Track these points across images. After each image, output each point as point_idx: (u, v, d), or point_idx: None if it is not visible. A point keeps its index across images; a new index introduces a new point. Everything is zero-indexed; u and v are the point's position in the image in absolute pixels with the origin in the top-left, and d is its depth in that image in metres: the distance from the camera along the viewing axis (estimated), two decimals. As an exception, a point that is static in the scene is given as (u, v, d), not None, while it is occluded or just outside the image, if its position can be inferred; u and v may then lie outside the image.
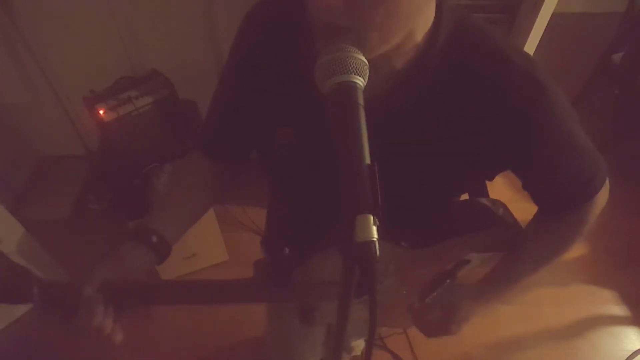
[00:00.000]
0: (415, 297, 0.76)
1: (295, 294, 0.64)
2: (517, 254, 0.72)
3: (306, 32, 0.48)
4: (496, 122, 0.55)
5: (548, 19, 1.55)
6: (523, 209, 0.75)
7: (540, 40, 1.62)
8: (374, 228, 0.36)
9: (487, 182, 0.74)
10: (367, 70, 0.43)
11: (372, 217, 0.36)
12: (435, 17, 0.52)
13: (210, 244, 1.81)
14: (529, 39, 1.60)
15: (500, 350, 1.68)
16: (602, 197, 0.64)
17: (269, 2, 0.61)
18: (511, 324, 1.74)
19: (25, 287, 0.53)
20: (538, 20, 1.54)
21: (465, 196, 0.80)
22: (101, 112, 1.61)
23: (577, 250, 1.98)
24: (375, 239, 0.36)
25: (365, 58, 0.43)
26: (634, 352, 1.66)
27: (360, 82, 0.42)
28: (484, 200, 0.78)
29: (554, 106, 0.54)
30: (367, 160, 0.39)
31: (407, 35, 0.49)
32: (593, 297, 1.84)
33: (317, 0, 0.42)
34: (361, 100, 0.41)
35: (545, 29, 1.58)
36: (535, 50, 1.65)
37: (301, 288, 0.62)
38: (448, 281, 0.73)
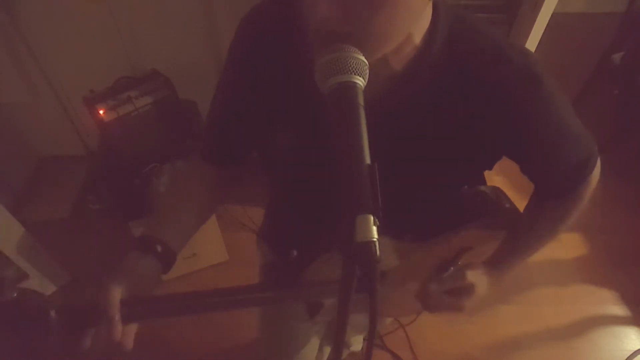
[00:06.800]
0: (418, 285, 0.77)
1: (303, 294, 0.64)
2: (518, 235, 0.74)
3: (303, 35, 0.48)
4: (495, 116, 0.55)
5: (548, 19, 1.55)
6: (523, 204, 0.76)
7: (540, 40, 1.62)
8: (374, 228, 0.36)
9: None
10: (367, 70, 0.43)
11: (372, 217, 0.36)
12: (432, 18, 0.52)
13: (210, 244, 1.80)
14: (529, 39, 1.60)
15: (500, 350, 1.68)
16: (596, 174, 0.67)
17: (265, 6, 0.61)
18: (511, 324, 1.74)
19: (40, 312, 0.51)
20: (538, 20, 1.54)
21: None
22: (101, 112, 1.61)
23: (577, 250, 1.98)
24: (375, 239, 0.36)
25: None
26: (634, 352, 1.66)
27: (360, 82, 0.42)
28: (482, 188, 0.79)
29: (549, 96, 0.55)
30: (367, 161, 0.39)
31: (405, 38, 0.50)
32: (593, 297, 1.84)
33: (316, 11, 0.42)
34: (361, 100, 0.41)
35: (545, 29, 1.58)
36: (535, 50, 1.65)
37: (309, 287, 0.62)
38: (452, 269, 0.74)
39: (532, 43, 1.62)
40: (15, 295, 0.52)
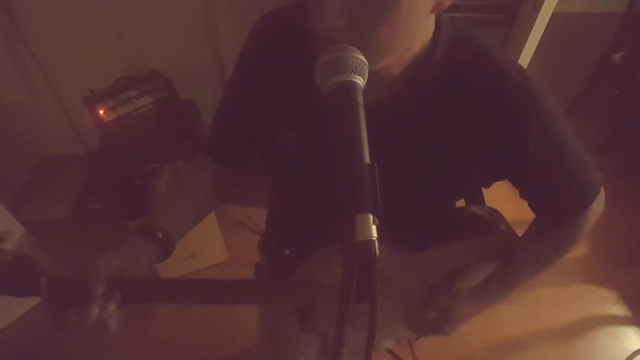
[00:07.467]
0: (413, 305, 0.76)
1: (295, 294, 0.64)
2: (515, 260, 0.73)
3: (310, 41, 0.48)
4: (491, 132, 0.56)
5: (548, 19, 1.54)
6: (522, 210, 0.75)
7: (540, 41, 1.62)
8: (374, 227, 0.36)
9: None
10: (367, 70, 0.43)
11: (371, 217, 0.36)
12: (435, 28, 0.53)
13: (210, 244, 1.81)
14: (529, 39, 1.60)
15: (500, 350, 1.68)
16: (598, 205, 0.65)
17: (275, 14, 0.63)
18: (511, 324, 1.73)
19: (32, 279, 0.53)
20: (538, 20, 1.53)
21: (461, 203, 0.80)
22: (101, 112, 1.61)
23: (577, 250, 1.98)
24: (374, 238, 0.36)
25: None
26: (634, 352, 1.66)
27: (360, 81, 0.42)
28: (479, 209, 0.79)
29: (546, 117, 0.55)
30: (367, 160, 0.39)
31: (407, 47, 0.51)
32: (593, 297, 1.84)
33: (321, 21, 0.43)
34: (361, 100, 0.41)
35: (545, 29, 1.58)
36: (535, 50, 1.65)
37: (301, 288, 0.63)
38: (444, 288, 0.74)
39: (532, 43, 1.62)
40: (10, 259, 0.54)
